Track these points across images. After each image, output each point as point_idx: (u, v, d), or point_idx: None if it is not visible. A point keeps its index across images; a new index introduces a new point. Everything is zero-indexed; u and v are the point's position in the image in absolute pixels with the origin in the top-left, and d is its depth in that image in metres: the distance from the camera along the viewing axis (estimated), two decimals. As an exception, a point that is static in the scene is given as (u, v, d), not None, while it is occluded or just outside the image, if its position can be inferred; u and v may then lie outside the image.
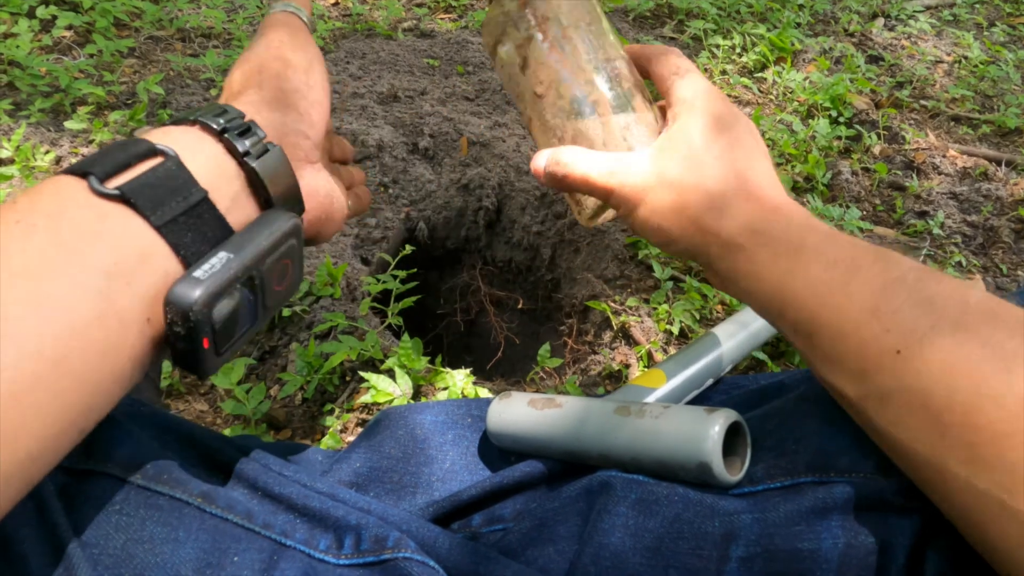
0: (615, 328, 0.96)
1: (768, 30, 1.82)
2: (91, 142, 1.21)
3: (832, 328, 0.38)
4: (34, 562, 0.34)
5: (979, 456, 0.32)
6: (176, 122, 0.39)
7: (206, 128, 0.38)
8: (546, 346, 0.94)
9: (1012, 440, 0.31)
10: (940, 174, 1.36)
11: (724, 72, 1.65)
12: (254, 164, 0.38)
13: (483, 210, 1.24)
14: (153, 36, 1.57)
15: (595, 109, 0.48)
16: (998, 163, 1.40)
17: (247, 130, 0.39)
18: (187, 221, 0.35)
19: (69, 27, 1.49)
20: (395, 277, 0.98)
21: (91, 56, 1.44)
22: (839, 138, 1.41)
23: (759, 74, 1.67)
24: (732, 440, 0.44)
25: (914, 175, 1.35)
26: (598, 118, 0.48)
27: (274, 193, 0.40)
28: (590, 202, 0.52)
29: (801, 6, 2.04)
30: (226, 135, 0.38)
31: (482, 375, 0.91)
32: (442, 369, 0.84)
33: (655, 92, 0.51)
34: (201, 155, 0.37)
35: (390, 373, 0.82)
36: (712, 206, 0.43)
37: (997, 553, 0.33)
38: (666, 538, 0.41)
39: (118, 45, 1.46)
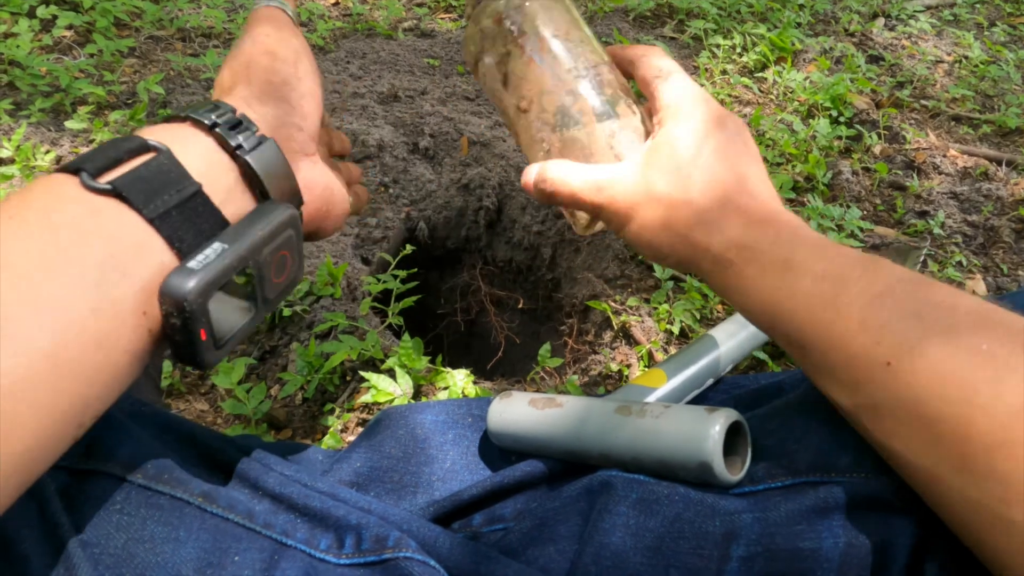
0: (616, 328, 0.96)
1: (768, 30, 1.82)
2: (91, 142, 1.21)
3: (822, 342, 0.38)
4: (35, 562, 0.34)
5: (971, 467, 0.32)
6: (168, 120, 0.39)
7: (197, 124, 0.39)
8: (546, 346, 0.94)
9: (1003, 451, 0.31)
10: (940, 174, 1.36)
11: (724, 72, 1.65)
12: (247, 157, 0.38)
13: (483, 210, 1.24)
14: (153, 36, 1.57)
15: (579, 119, 0.48)
16: (999, 163, 1.40)
17: (239, 124, 0.39)
18: (181, 214, 0.35)
19: (69, 27, 1.49)
20: (395, 277, 0.98)
21: (91, 56, 1.44)
22: (839, 138, 1.41)
23: (759, 74, 1.67)
24: (733, 440, 0.44)
25: (915, 175, 1.35)
26: (583, 128, 0.48)
27: (269, 186, 0.40)
28: (583, 213, 0.52)
29: (801, 6, 2.04)
30: (217, 129, 0.38)
31: (482, 375, 0.91)
32: (442, 369, 0.84)
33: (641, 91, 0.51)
34: (193, 150, 0.37)
35: (391, 373, 0.82)
36: (701, 221, 0.43)
37: (994, 560, 0.33)
38: (667, 538, 0.41)
39: (118, 45, 1.46)
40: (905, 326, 0.35)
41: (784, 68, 1.65)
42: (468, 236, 1.27)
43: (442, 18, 1.85)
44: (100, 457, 0.39)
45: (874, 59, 1.81)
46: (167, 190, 0.35)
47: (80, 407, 0.32)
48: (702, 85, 1.54)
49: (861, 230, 1.18)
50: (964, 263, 1.13)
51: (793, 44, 1.75)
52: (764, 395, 0.55)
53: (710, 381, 0.67)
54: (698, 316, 0.96)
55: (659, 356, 0.91)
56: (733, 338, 0.72)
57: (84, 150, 1.19)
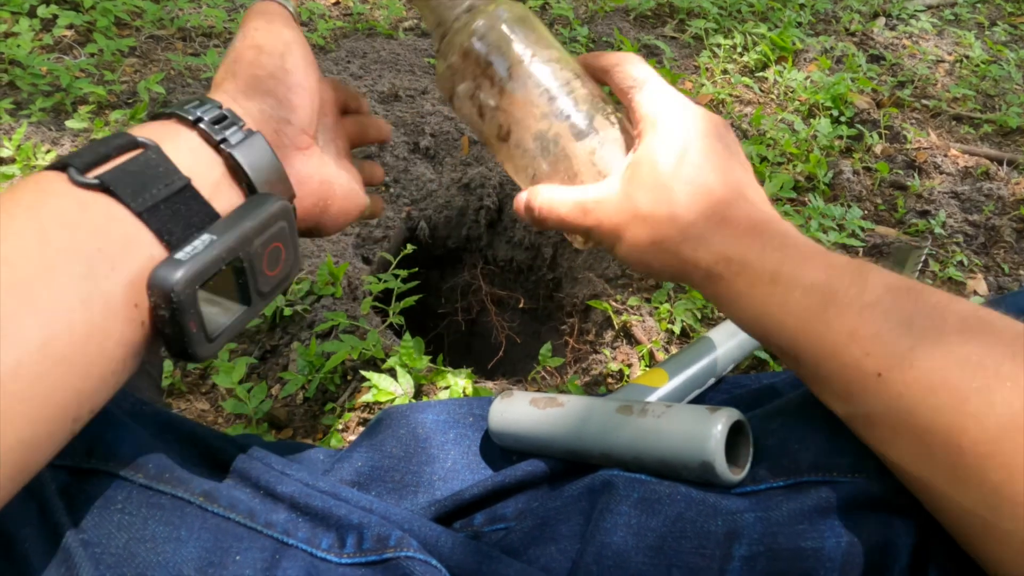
0: (616, 327, 0.95)
1: (769, 29, 1.82)
2: (91, 141, 1.21)
3: (814, 353, 0.38)
4: (36, 561, 0.34)
5: (963, 476, 0.32)
6: (155, 117, 0.39)
7: (182, 120, 0.39)
8: (547, 345, 0.94)
9: (995, 461, 0.31)
10: (942, 173, 1.36)
11: (725, 71, 1.65)
12: (232, 151, 0.38)
13: (484, 209, 1.24)
14: (154, 35, 1.57)
15: (558, 142, 0.48)
16: (1000, 162, 1.40)
17: (223, 119, 0.39)
18: (170, 207, 0.35)
19: (70, 26, 1.49)
20: (396, 276, 0.98)
21: (92, 55, 1.44)
22: (840, 137, 1.41)
23: (760, 73, 1.67)
24: (734, 439, 0.44)
25: (916, 174, 1.34)
26: (563, 150, 0.48)
27: (256, 179, 0.39)
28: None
29: (802, 5, 2.04)
30: (201, 124, 0.38)
31: (483, 374, 0.91)
32: (443, 368, 0.84)
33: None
34: (179, 146, 0.37)
35: (391, 372, 0.82)
36: (687, 237, 0.42)
37: (989, 566, 0.33)
38: (669, 537, 0.41)
39: (119, 44, 1.46)
40: (895, 337, 0.35)
41: (785, 67, 1.65)
42: (469, 235, 1.27)
43: (443, 18, 1.85)
44: (101, 456, 0.39)
45: (875, 59, 1.81)
46: (155, 184, 0.35)
47: (74, 400, 0.31)
48: (702, 85, 1.55)
49: (862, 229, 1.18)
50: (965, 263, 1.13)
51: (794, 44, 1.75)
52: (765, 395, 0.55)
53: (711, 381, 0.67)
54: (699, 316, 0.96)
55: (660, 356, 0.91)
56: (734, 338, 0.72)
57: (85, 149, 1.19)
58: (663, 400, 0.63)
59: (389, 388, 0.79)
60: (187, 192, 0.36)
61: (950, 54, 1.87)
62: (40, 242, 0.31)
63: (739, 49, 1.74)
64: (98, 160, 0.34)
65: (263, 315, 0.93)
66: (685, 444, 0.43)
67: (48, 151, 1.16)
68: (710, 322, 0.96)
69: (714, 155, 0.44)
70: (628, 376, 0.89)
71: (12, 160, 1.13)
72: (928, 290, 0.36)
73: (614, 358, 0.91)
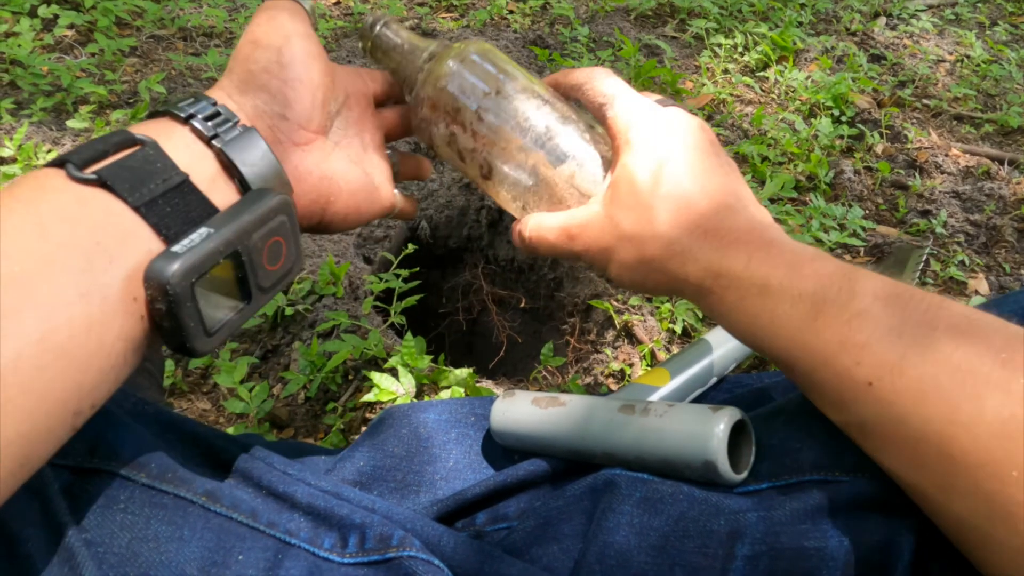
0: (618, 327, 0.95)
1: (770, 29, 1.82)
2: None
3: (806, 363, 0.38)
4: (39, 561, 0.34)
5: (956, 486, 0.32)
6: (150, 116, 0.40)
7: (175, 118, 0.39)
8: (549, 345, 0.94)
9: (986, 471, 0.31)
10: (943, 173, 1.36)
11: (726, 71, 1.65)
12: (223, 147, 0.38)
13: (485, 209, 1.24)
14: (155, 35, 1.57)
15: (537, 172, 0.48)
16: (1001, 162, 1.40)
17: (216, 115, 0.39)
18: (168, 202, 0.35)
19: (71, 26, 1.49)
20: (398, 276, 0.98)
21: (93, 55, 1.44)
22: (841, 137, 1.41)
23: (761, 73, 1.67)
24: (737, 438, 0.44)
25: (917, 174, 1.34)
26: (543, 179, 0.48)
27: (250, 175, 0.39)
28: None
29: (803, 5, 2.04)
30: (192, 121, 0.38)
31: (484, 374, 0.91)
32: (445, 368, 0.84)
33: None
34: (175, 143, 0.37)
35: (393, 372, 0.82)
36: (673, 254, 0.42)
37: (984, 571, 0.33)
38: (671, 536, 0.41)
39: (120, 44, 1.46)
40: (884, 346, 0.35)
41: (786, 67, 1.65)
42: (470, 235, 1.27)
43: (443, 17, 1.85)
44: (103, 456, 0.39)
45: (876, 58, 1.80)
46: (153, 179, 0.35)
47: (74, 393, 0.31)
48: (703, 84, 1.55)
49: (863, 229, 1.18)
50: (967, 262, 1.13)
51: (795, 43, 1.75)
52: (767, 394, 0.55)
53: (713, 380, 0.67)
54: (700, 315, 0.96)
55: (661, 355, 0.91)
56: (734, 338, 0.72)
57: (86, 149, 1.19)
58: (665, 399, 0.63)
59: (391, 388, 0.79)
60: (185, 187, 0.36)
61: (951, 54, 1.87)
62: (39, 236, 0.31)
63: (740, 49, 1.74)
64: (96, 156, 0.34)
65: (264, 315, 0.93)
66: (687, 443, 0.43)
67: (49, 151, 1.16)
68: (711, 322, 0.96)
69: (692, 165, 0.43)
70: (629, 376, 0.89)
71: (13, 160, 1.13)
72: (918, 296, 0.36)
73: (615, 358, 0.91)
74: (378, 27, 0.52)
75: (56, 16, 1.48)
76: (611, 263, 0.45)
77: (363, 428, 0.80)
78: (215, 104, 0.40)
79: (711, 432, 0.42)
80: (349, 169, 0.47)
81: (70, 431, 0.32)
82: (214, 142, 0.38)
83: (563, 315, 1.10)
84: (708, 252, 0.41)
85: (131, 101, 1.35)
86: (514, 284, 1.27)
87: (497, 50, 0.51)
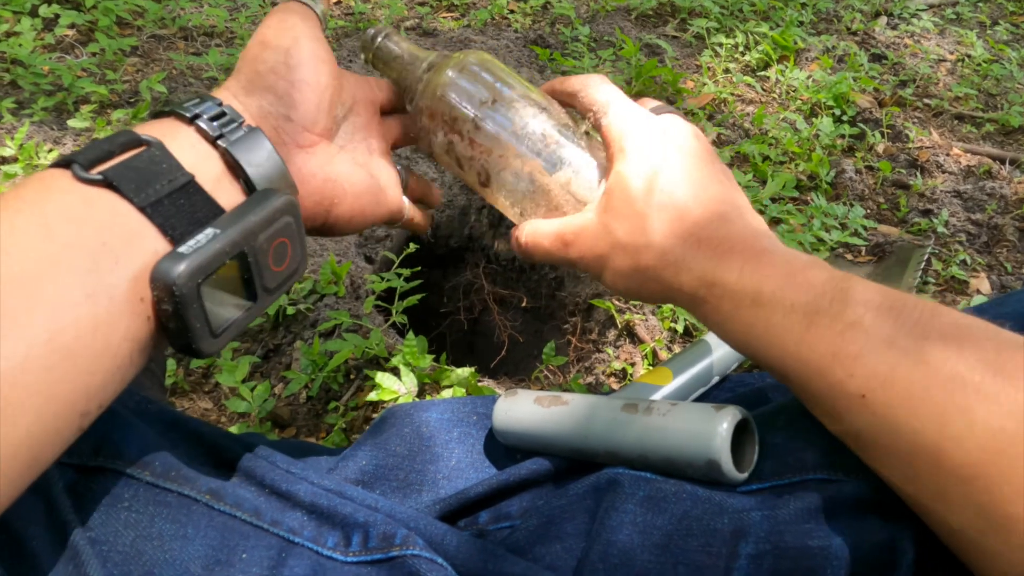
0: (619, 326, 0.95)
1: (771, 28, 1.82)
2: (93, 140, 1.21)
3: (799, 374, 0.38)
4: (44, 560, 0.34)
5: (949, 497, 0.32)
6: (155, 116, 0.40)
7: (180, 118, 0.39)
8: (551, 344, 0.94)
9: (978, 484, 0.31)
10: (944, 172, 1.36)
11: (727, 71, 1.65)
12: (228, 147, 0.38)
13: (486, 208, 1.24)
14: (155, 35, 1.57)
15: (533, 179, 0.49)
16: (1002, 161, 1.40)
17: (222, 115, 0.39)
18: (173, 203, 0.35)
19: (72, 26, 1.49)
20: (399, 275, 0.98)
21: (94, 55, 1.44)
22: (843, 136, 1.41)
23: (762, 72, 1.67)
24: (740, 437, 0.44)
25: (918, 173, 1.34)
26: (539, 186, 0.49)
27: (255, 176, 0.39)
28: None
29: (804, 4, 2.04)
30: (198, 121, 0.38)
31: (486, 374, 0.91)
32: (447, 367, 0.84)
33: None
34: (180, 143, 0.37)
35: (395, 371, 0.82)
36: (667, 264, 0.42)
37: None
38: (675, 535, 0.41)
39: (121, 44, 1.46)
40: (877, 357, 0.34)
41: (787, 67, 1.65)
42: (471, 234, 1.27)
43: (444, 17, 1.85)
44: (108, 454, 0.39)
45: (877, 58, 1.81)
46: (159, 180, 0.35)
47: (82, 394, 0.31)
48: (704, 84, 1.55)
49: (865, 228, 1.18)
50: (968, 262, 1.13)
51: (796, 43, 1.75)
52: (769, 393, 0.55)
53: (715, 379, 0.67)
54: (702, 315, 0.96)
55: (663, 354, 0.91)
56: (738, 336, 0.72)
57: (87, 149, 1.19)
58: (667, 398, 0.63)
59: (392, 387, 0.79)
60: (190, 188, 0.36)
61: (952, 53, 1.87)
62: (45, 237, 0.31)
63: (741, 48, 1.74)
64: (102, 157, 0.34)
65: (266, 314, 0.93)
66: (691, 442, 0.43)
67: (50, 150, 1.16)
68: (713, 321, 0.96)
69: (686, 174, 0.43)
70: (631, 375, 0.89)
71: (15, 159, 1.14)
72: (911, 304, 0.36)
73: (617, 357, 0.91)
74: (379, 39, 0.53)
75: (57, 16, 1.48)
76: (606, 271, 0.45)
77: (365, 427, 0.80)
78: (220, 104, 0.40)
79: (714, 431, 0.42)
80: (354, 172, 0.47)
81: (77, 432, 0.32)
82: (219, 142, 0.38)
83: (564, 314, 1.10)
84: (702, 262, 0.41)
85: (132, 101, 1.35)
86: (515, 283, 1.27)
87: (495, 60, 0.52)
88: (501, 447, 0.56)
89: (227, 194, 0.39)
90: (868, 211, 1.25)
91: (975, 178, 1.35)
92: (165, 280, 0.33)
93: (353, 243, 1.10)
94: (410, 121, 0.54)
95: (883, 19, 2.03)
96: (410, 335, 0.84)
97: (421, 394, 0.82)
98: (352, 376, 0.86)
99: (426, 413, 0.58)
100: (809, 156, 1.33)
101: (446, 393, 0.81)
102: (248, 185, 0.39)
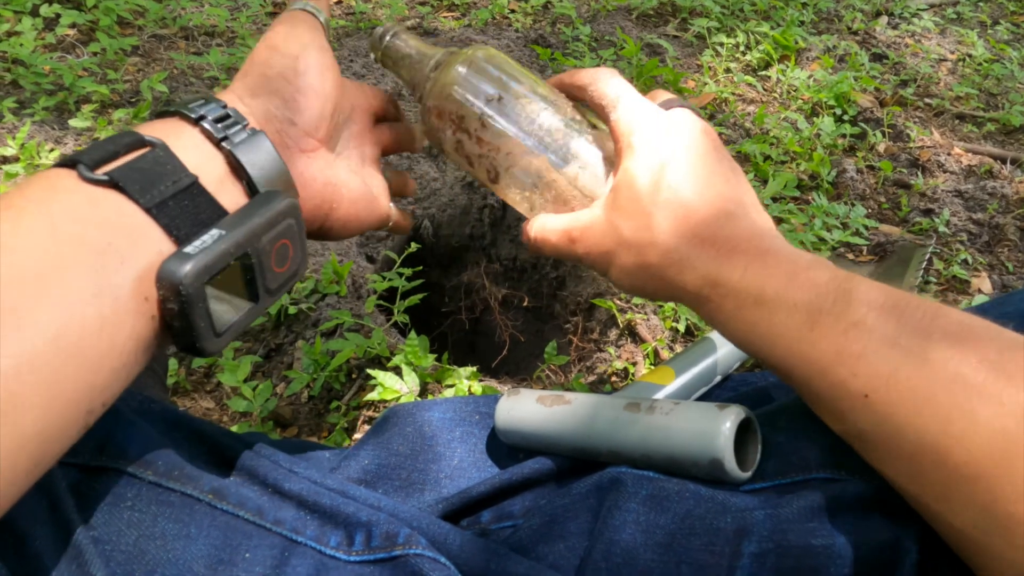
0: (621, 326, 0.95)
1: (772, 28, 1.82)
2: (95, 140, 1.21)
3: (802, 373, 0.38)
4: (48, 559, 0.34)
5: (952, 497, 0.32)
6: (159, 115, 0.40)
7: (184, 118, 0.39)
8: (553, 344, 0.94)
9: (981, 483, 0.31)
10: (945, 172, 1.36)
11: (728, 70, 1.65)
12: (232, 149, 0.39)
13: (488, 208, 1.24)
14: (156, 34, 1.57)
15: (541, 175, 0.49)
16: (1003, 161, 1.40)
17: (226, 117, 0.39)
18: (178, 203, 0.35)
19: (73, 25, 1.49)
20: (400, 275, 0.98)
21: (95, 54, 1.44)
22: (844, 136, 1.41)
23: (763, 72, 1.67)
24: (743, 436, 0.44)
25: (919, 173, 1.34)
26: (547, 181, 0.49)
27: (258, 178, 0.39)
28: None
29: (804, 4, 2.04)
30: (203, 122, 0.38)
31: (487, 373, 0.91)
32: (449, 367, 0.84)
33: None
34: (183, 143, 0.38)
35: (397, 371, 0.82)
36: (671, 262, 0.42)
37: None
38: (678, 534, 0.41)
39: (122, 43, 1.46)
40: (880, 357, 0.34)
41: (788, 66, 1.65)
42: (472, 234, 1.27)
43: (445, 16, 1.85)
44: (111, 454, 0.39)
45: (877, 57, 1.80)
46: (163, 181, 0.35)
47: (87, 391, 0.31)
48: (705, 84, 1.55)
49: (866, 228, 1.18)
50: (970, 261, 1.13)
51: (796, 42, 1.75)
52: (772, 392, 0.55)
53: (718, 378, 0.67)
54: (703, 314, 0.96)
55: (665, 354, 0.91)
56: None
57: (88, 148, 1.20)
58: (670, 398, 0.63)
59: (395, 386, 0.79)
60: (194, 189, 0.36)
61: (952, 53, 1.87)
62: (51, 235, 0.31)
63: (742, 48, 1.74)
64: (107, 157, 0.34)
65: (268, 314, 0.93)
66: (694, 441, 0.43)
67: (52, 150, 1.16)
68: (714, 320, 0.96)
69: (693, 171, 0.43)
70: (633, 374, 0.89)
71: (16, 159, 1.14)
72: (914, 303, 0.36)
73: (619, 356, 0.91)
74: (387, 37, 0.53)
75: (58, 15, 1.48)
76: (611, 267, 0.45)
77: (367, 427, 0.80)
78: (224, 106, 0.40)
79: (718, 430, 0.42)
80: (350, 178, 0.48)
81: (82, 429, 0.32)
82: (223, 144, 0.38)
83: (566, 314, 1.10)
84: (706, 261, 0.41)
85: (133, 100, 1.35)
86: (517, 283, 1.27)
87: (501, 54, 0.52)
88: (503, 446, 0.56)
89: (230, 195, 0.39)
90: (869, 211, 1.25)
91: (976, 177, 1.35)
92: (172, 280, 0.33)
93: (354, 243, 1.10)
94: (402, 130, 0.56)
95: (884, 19, 2.03)
96: (412, 334, 0.84)
97: (423, 393, 0.82)
98: (354, 375, 0.86)
99: (428, 412, 0.58)
100: (810, 156, 1.33)
101: (448, 392, 0.81)
102: (250, 187, 0.40)
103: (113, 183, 0.33)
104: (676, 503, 0.42)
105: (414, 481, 0.54)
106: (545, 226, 0.49)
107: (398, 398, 0.79)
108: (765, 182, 1.25)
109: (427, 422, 0.57)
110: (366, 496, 0.46)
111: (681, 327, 0.93)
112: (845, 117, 1.48)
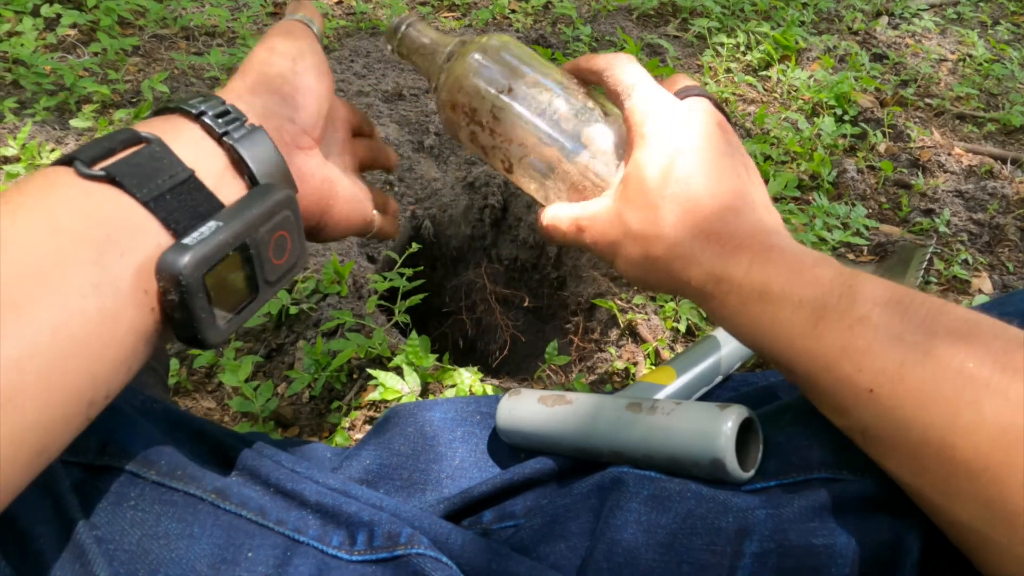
0: (622, 326, 0.96)
1: (772, 28, 1.82)
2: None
3: (807, 369, 0.38)
4: (51, 558, 0.34)
5: (956, 491, 0.32)
6: (159, 112, 0.40)
7: (185, 114, 0.39)
8: (554, 344, 0.94)
9: (986, 476, 0.31)
10: (946, 172, 1.36)
11: (728, 70, 1.65)
12: (233, 143, 0.39)
13: (489, 208, 1.24)
14: (157, 34, 1.57)
15: (553, 165, 0.49)
16: (1003, 161, 1.40)
17: (226, 113, 0.40)
18: (175, 197, 0.35)
19: (73, 25, 1.49)
20: (401, 275, 0.98)
21: (96, 54, 1.44)
22: (844, 136, 1.41)
23: (764, 72, 1.67)
24: (744, 436, 0.44)
25: (920, 173, 1.34)
26: (560, 171, 0.49)
27: (259, 172, 0.40)
28: None
29: (805, 4, 2.04)
30: (204, 118, 0.39)
31: (488, 373, 0.91)
32: (450, 367, 0.84)
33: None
34: (182, 139, 0.38)
35: (398, 370, 0.82)
36: (676, 255, 0.42)
37: (987, 574, 0.33)
38: (679, 534, 0.41)
39: (122, 43, 1.46)
40: (885, 352, 0.35)
41: (788, 66, 1.65)
42: (473, 234, 1.27)
43: (445, 16, 1.85)
44: (114, 453, 0.39)
45: (878, 57, 1.80)
46: (160, 175, 0.35)
47: (89, 384, 0.32)
48: (706, 84, 1.55)
49: (867, 228, 1.18)
50: (970, 261, 1.13)
51: (797, 42, 1.75)
52: (773, 392, 0.55)
53: (719, 378, 0.67)
54: (704, 314, 0.96)
55: (665, 354, 0.91)
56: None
57: (89, 148, 1.20)
58: (671, 397, 0.63)
59: (396, 386, 0.79)
60: (191, 183, 0.36)
61: (953, 53, 1.87)
62: (50, 230, 0.31)
63: (742, 48, 1.74)
64: (103, 154, 0.35)
65: (269, 314, 0.93)
66: (695, 441, 0.43)
67: (52, 150, 1.16)
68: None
69: (703, 165, 0.43)
70: (634, 375, 0.89)
71: (17, 159, 1.14)
72: (919, 300, 0.36)
73: (619, 356, 0.91)
74: (403, 27, 0.54)
75: (59, 15, 1.48)
76: (617, 258, 0.46)
77: (368, 427, 0.80)
78: (224, 103, 0.40)
79: (719, 430, 0.42)
80: (344, 178, 0.49)
81: (85, 421, 0.32)
82: (225, 139, 0.39)
83: (567, 314, 1.10)
84: (711, 257, 0.41)
85: (134, 100, 1.35)
86: (517, 283, 1.27)
87: (513, 41, 0.52)
88: (505, 446, 0.56)
89: (231, 189, 0.39)
90: (870, 211, 1.25)
91: (977, 178, 1.35)
92: (171, 271, 0.33)
93: (355, 243, 1.10)
94: (378, 148, 0.58)
95: (884, 19, 2.03)
96: (413, 334, 0.84)
97: (424, 393, 0.82)
98: (355, 375, 0.86)
99: (429, 412, 0.58)
100: (811, 156, 1.33)
101: (449, 392, 0.81)
102: (252, 181, 0.40)
103: (110, 178, 0.34)
104: (677, 503, 0.42)
105: (416, 481, 0.54)
106: (557, 215, 0.49)
107: (399, 398, 0.79)
108: (766, 182, 1.25)
109: (428, 422, 0.57)
110: (368, 496, 0.47)
111: (682, 327, 0.93)
112: (845, 117, 1.48)
